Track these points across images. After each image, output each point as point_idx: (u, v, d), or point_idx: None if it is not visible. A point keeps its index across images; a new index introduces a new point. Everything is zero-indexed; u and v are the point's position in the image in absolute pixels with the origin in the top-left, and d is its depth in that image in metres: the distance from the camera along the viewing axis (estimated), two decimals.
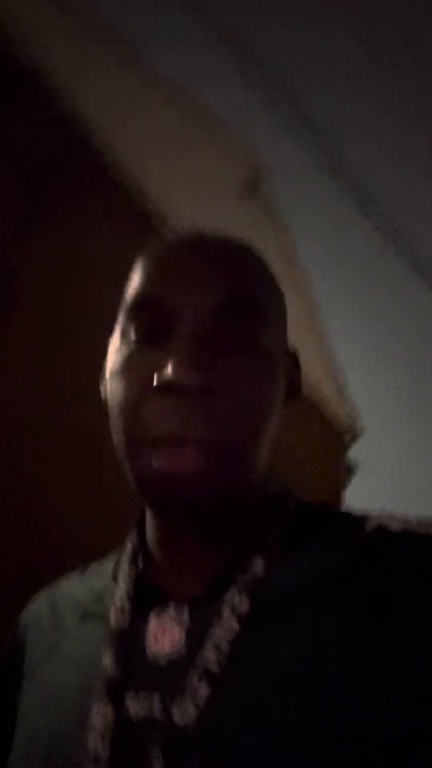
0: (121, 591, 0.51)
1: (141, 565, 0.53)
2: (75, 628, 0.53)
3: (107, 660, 0.47)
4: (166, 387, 0.45)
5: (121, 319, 0.51)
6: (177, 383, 0.44)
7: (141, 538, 0.54)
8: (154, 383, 0.45)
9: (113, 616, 0.50)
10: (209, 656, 0.43)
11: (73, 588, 0.58)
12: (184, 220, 5.99)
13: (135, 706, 0.43)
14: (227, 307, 0.48)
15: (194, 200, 6.47)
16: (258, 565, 0.47)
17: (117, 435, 0.48)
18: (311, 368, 7.48)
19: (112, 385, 0.50)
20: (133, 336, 0.49)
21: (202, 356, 0.45)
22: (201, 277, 0.48)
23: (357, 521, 0.50)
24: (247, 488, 0.49)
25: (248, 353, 0.48)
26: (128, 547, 0.55)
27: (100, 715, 0.44)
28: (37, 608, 0.59)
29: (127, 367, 0.48)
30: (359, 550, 0.47)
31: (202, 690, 0.41)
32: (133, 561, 0.53)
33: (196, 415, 0.45)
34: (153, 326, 0.48)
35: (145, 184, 5.77)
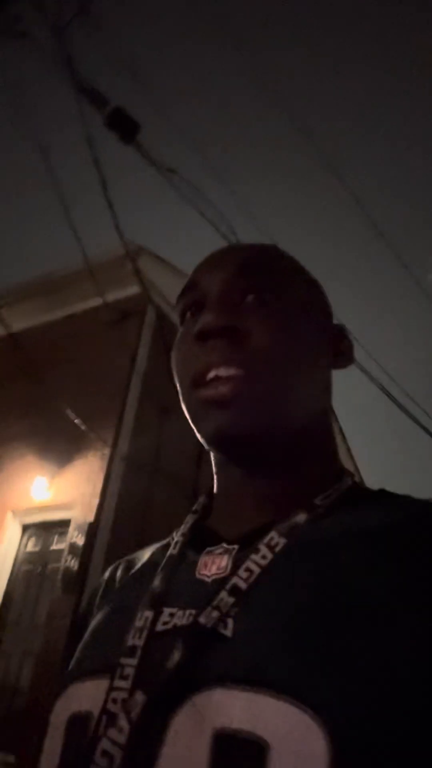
0: (179, 532, 0.56)
1: (200, 511, 0.58)
2: (141, 569, 0.58)
3: (156, 580, 0.51)
4: (198, 335, 0.52)
5: (175, 310, 0.60)
6: (205, 328, 0.51)
7: (208, 497, 0.59)
8: (194, 334, 0.53)
9: (170, 549, 0.55)
10: (241, 575, 0.46)
11: (147, 550, 0.61)
12: None
13: (174, 613, 0.46)
14: (242, 270, 0.55)
15: None
16: (301, 517, 0.49)
17: (181, 393, 0.55)
18: None
19: (174, 359, 0.58)
20: (181, 315, 0.58)
21: (224, 306, 0.53)
22: (224, 261, 0.57)
23: (410, 497, 0.51)
24: (288, 429, 0.52)
25: (268, 304, 0.54)
26: (195, 503, 0.60)
27: (142, 618, 0.47)
28: (113, 569, 0.64)
29: (180, 338, 0.57)
30: (404, 516, 0.47)
31: (227, 600, 0.44)
32: (195, 511, 0.58)
33: (222, 349, 0.51)
34: (193, 303, 0.56)
35: None
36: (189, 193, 4.24)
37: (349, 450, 10.61)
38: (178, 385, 0.55)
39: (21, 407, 6.04)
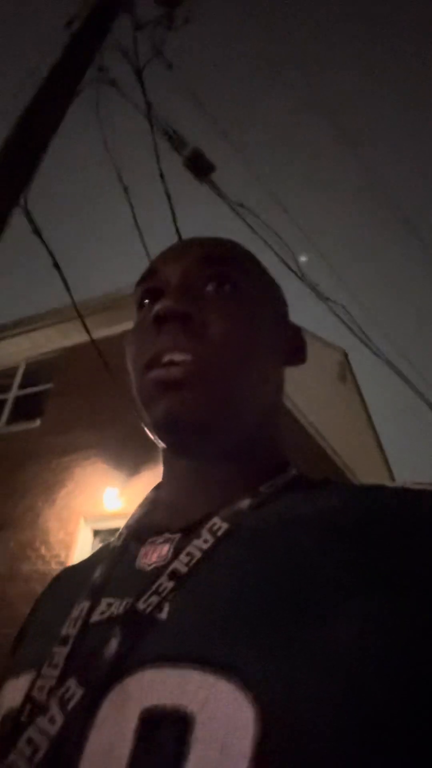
0: (125, 525, 0.56)
1: (147, 505, 0.58)
2: (84, 570, 0.55)
3: (97, 572, 0.51)
4: (155, 318, 0.51)
5: (134, 295, 0.60)
6: (162, 312, 0.51)
7: (156, 490, 0.59)
8: (148, 320, 0.53)
9: (112, 543, 0.54)
10: (181, 560, 0.45)
11: (94, 554, 0.60)
12: (290, 402, 7.86)
13: (111, 603, 0.45)
14: (204, 260, 0.56)
15: (297, 387, 8.30)
16: (244, 503, 0.49)
17: (133, 378, 0.55)
18: None
19: (129, 344, 0.57)
20: (138, 302, 0.58)
21: (182, 293, 0.53)
22: (185, 251, 0.57)
23: (355, 484, 0.50)
24: (238, 419, 0.52)
25: (227, 296, 0.54)
26: (144, 498, 0.59)
27: (77, 609, 0.47)
28: (54, 578, 0.62)
29: (136, 324, 0.57)
30: (345, 499, 0.46)
31: (167, 584, 0.43)
32: (143, 504, 0.58)
33: (179, 335, 0.51)
34: (151, 289, 0.57)
35: None
36: (254, 223, 4.51)
37: (383, 453, 10.74)
38: (131, 370, 0.55)
39: (95, 417, 6.43)
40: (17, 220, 3.01)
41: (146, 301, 0.57)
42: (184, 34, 4.58)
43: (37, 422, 7.30)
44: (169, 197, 4.45)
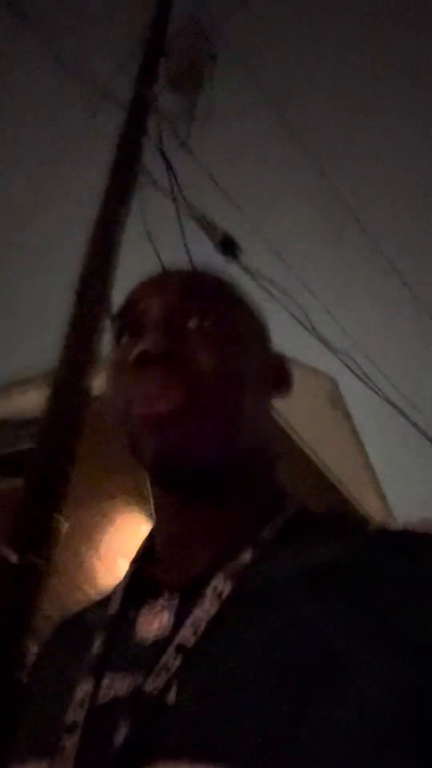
0: (119, 585, 0.53)
1: (140, 559, 0.54)
2: (80, 631, 0.53)
3: (96, 643, 0.48)
4: (138, 360, 0.49)
5: (110, 329, 0.59)
6: (145, 354, 0.49)
7: (150, 540, 0.56)
8: (131, 361, 0.50)
9: (109, 607, 0.51)
10: (186, 632, 0.43)
11: (89, 608, 0.57)
12: (283, 425, 8.51)
13: (115, 680, 0.44)
14: (185, 294, 0.54)
15: (289, 412, 8.95)
16: (246, 555, 0.46)
17: (115, 419, 0.52)
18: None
19: (107, 383, 0.54)
20: (117, 338, 0.55)
21: (165, 330, 0.51)
22: (165, 284, 0.56)
23: (359, 523, 0.49)
24: (231, 455, 0.51)
25: (211, 330, 0.52)
26: (137, 550, 0.56)
27: (82, 690, 0.44)
28: (51, 634, 0.59)
29: (115, 361, 0.54)
30: (353, 546, 0.45)
31: (173, 662, 0.41)
32: (136, 559, 0.54)
33: (165, 376, 0.49)
34: (131, 324, 0.54)
35: None
36: (273, 290, 5.14)
37: (377, 484, 11.49)
38: (113, 414, 0.53)
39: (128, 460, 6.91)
40: None
41: (125, 336, 0.55)
42: (209, 122, 5.17)
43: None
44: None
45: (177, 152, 5.03)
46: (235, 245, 4.87)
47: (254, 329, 0.60)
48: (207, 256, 4.92)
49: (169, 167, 4.88)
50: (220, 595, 0.45)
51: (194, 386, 0.50)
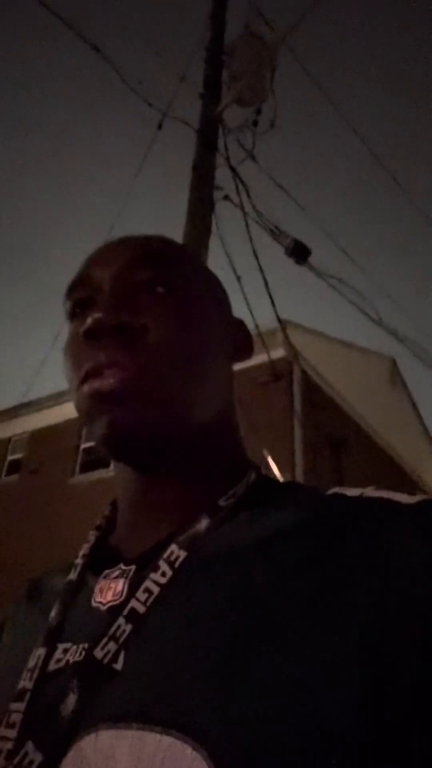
0: (80, 552, 0.53)
1: (103, 526, 0.55)
2: (44, 597, 0.54)
3: (53, 612, 0.48)
4: (88, 332, 0.48)
5: (64, 306, 0.55)
6: (94, 327, 0.47)
7: (112, 508, 0.56)
8: (81, 333, 0.48)
9: (69, 574, 0.51)
10: (138, 599, 0.43)
11: (54, 573, 0.57)
12: (345, 401, 8.85)
13: (68, 648, 0.44)
14: (135, 262, 0.52)
15: (352, 389, 9.26)
16: (202, 523, 0.47)
17: (71, 393, 0.52)
18: None
19: (64, 359, 0.53)
20: (71, 312, 0.54)
21: (116, 301, 0.49)
22: (117, 253, 0.54)
23: (316, 490, 0.49)
24: (189, 426, 0.50)
25: (165, 298, 0.51)
26: (98, 520, 0.56)
27: (34, 657, 0.45)
28: (15, 603, 0.59)
29: (69, 337, 0.53)
30: (306, 513, 0.45)
31: (125, 627, 0.42)
32: (98, 528, 0.55)
33: (115, 349, 0.48)
34: (84, 298, 0.52)
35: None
36: (340, 286, 5.44)
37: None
38: (66, 374, 0.53)
39: None
40: None
41: (78, 310, 0.53)
42: (274, 132, 5.44)
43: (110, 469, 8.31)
44: (266, 283, 5.39)
45: (243, 164, 5.34)
46: (305, 249, 5.18)
47: (210, 293, 0.58)
48: (279, 260, 5.25)
49: (240, 181, 5.21)
50: (173, 562, 0.45)
51: (147, 358, 0.49)
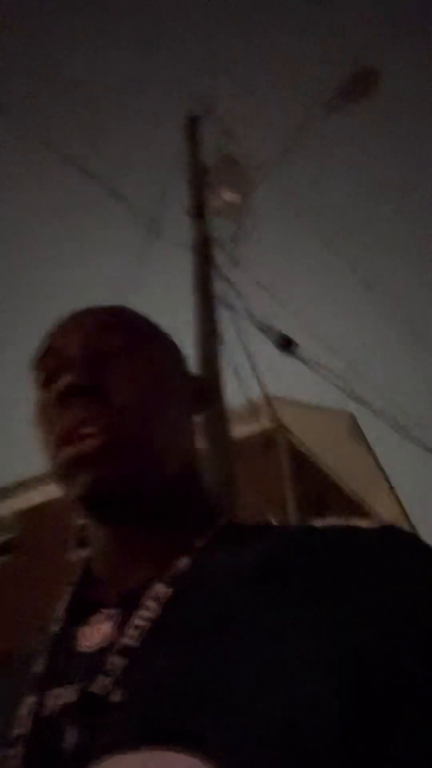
0: (59, 608, 0.53)
1: (77, 581, 0.55)
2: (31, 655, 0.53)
3: (39, 663, 0.48)
4: (59, 397, 0.51)
5: (32, 379, 0.58)
6: (65, 389, 0.51)
7: (86, 563, 0.57)
8: (53, 398, 0.51)
9: (51, 628, 0.52)
10: (130, 634, 0.44)
11: (27, 649, 0.56)
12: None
13: (60, 693, 0.44)
14: (101, 328, 0.56)
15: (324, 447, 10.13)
16: (183, 562, 0.49)
17: (48, 458, 0.54)
18: None
19: (36, 425, 0.55)
20: (40, 382, 0.56)
21: (83, 365, 0.53)
22: (79, 323, 0.58)
23: (288, 526, 0.54)
24: (160, 479, 0.53)
25: (129, 360, 0.55)
26: (74, 575, 0.57)
27: (26, 705, 0.45)
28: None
29: (42, 404, 0.55)
30: (280, 544, 0.49)
31: (119, 662, 0.43)
32: (72, 582, 0.56)
33: (87, 408, 0.51)
34: (52, 368, 0.55)
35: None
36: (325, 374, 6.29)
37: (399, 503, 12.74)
38: (45, 452, 0.55)
39: None
40: None
41: (47, 380, 0.56)
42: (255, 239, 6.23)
43: None
44: (252, 363, 6.18)
45: (231, 270, 6.16)
46: (292, 343, 6.02)
47: (170, 355, 0.63)
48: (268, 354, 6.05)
49: (232, 286, 6.01)
50: (160, 599, 0.47)
51: (117, 418, 0.52)
